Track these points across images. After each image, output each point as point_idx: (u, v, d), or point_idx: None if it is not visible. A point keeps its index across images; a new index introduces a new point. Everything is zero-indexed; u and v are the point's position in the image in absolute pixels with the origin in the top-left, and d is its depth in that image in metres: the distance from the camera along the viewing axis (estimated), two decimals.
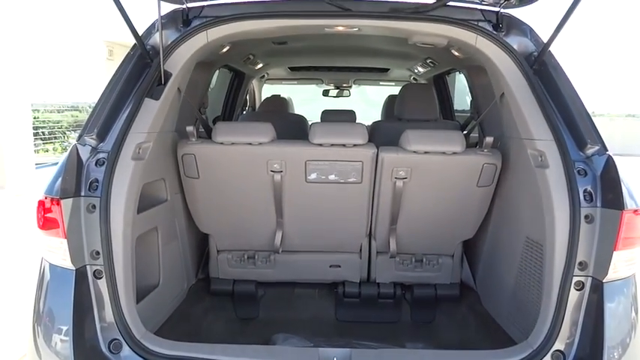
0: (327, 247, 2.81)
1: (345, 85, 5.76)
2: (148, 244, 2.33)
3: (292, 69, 5.12)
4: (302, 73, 5.29)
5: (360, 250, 2.81)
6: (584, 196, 1.95)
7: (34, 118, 11.97)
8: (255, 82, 5.55)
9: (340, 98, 5.99)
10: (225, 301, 2.92)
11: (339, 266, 2.85)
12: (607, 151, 2.01)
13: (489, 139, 2.40)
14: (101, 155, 2.01)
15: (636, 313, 1.97)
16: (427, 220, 2.67)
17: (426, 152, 2.40)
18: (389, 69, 5.04)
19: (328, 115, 3.78)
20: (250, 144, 2.41)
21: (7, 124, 8.79)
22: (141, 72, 2.20)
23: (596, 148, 2.00)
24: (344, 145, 2.42)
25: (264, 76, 5.42)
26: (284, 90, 5.70)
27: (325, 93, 5.93)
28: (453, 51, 2.74)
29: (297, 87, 6.37)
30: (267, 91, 5.76)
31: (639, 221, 1.91)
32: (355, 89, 6.15)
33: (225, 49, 2.91)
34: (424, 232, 2.72)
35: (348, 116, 3.75)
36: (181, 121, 2.55)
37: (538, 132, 2.12)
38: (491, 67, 2.33)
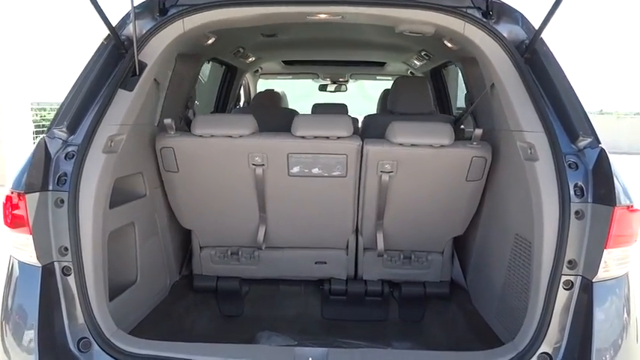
0: (312, 243, 2.73)
1: (341, 79, 5.66)
2: (123, 239, 2.26)
3: (286, 63, 5.03)
4: (297, 67, 5.20)
5: (347, 246, 2.73)
6: (575, 190, 1.85)
7: (41, 117, 11.91)
8: (249, 77, 5.47)
9: (337, 93, 5.90)
10: (209, 298, 2.85)
11: (325, 263, 2.77)
12: (600, 143, 1.91)
13: (478, 132, 2.30)
14: (71, 148, 1.94)
15: (628, 315, 1.87)
16: (415, 215, 2.58)
17: (412, 145, 2.31)
18: (385, 63, 4.94)
19: (319, 109, 3.69)
20: (230, 136, 2.33)
21: (8, 123, 8.80)
22: (115, 63, 2.13)
23: (589, 140, 1.90)
24: (327, 138, 2.34)
25: (257, 70, 5.33)
26: (280, 85, 5.61)
27: (322, 88, 5.84)
28: (445, 42, 2.65)
29: (294, 83, 6.28)
30: (263, 86, 5.67)
31: (633, 218, 1.82)
32: (353, 84, 6.05)
33: (210, 41, 2.83)
34: (412, 228, 2.64)
35: (340, 110, 3.66)
36: (165, 115, 2.48)
37: (528, 123, 2.02)
38: (480, 56, 2.23)
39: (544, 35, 2.08)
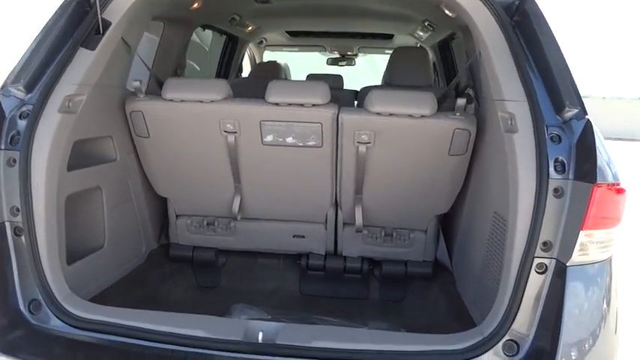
0: (289, 216, 2.63)
1: (350, 53, 5.47)
2: (87, 203, 2.20)
3: (291, 35, 4.87)
4: (302, 39, 5.04)
5: (326, 220, 2.62)
6: (555, 166, 1.69)
7: None
8: (254, 49, 5.34)
9: (346, 68, 5.72)
10: (185, 268, 2.80)
11: (304, 237, 2.67)
12: (586, 114, 1.73)
13: (461, 102, 2.14)
14: (26, 107, 1.88)
15: (608, 304, 1.72)
16: (395, 190, 2.45)
17: (391, 114, 2.16)
18: (393, 35, 4.74)
19: (313, 80, 3.55)
20: (201, 101, 2.23)
21: None
22: (79, 20, 2.04)
23: (575, 111, 1.72)
24: (302, 105, 2.21)
25: (262, 42, 5.20)
26: (288, 59, 5.46)
27: (330, 62, 5.67)
28: (444, 9, 2.47)
29: (301, 57, 6.12)
30: (269, 58, 5.53)
31: (617, 199, 1.65)
32: (362, 59, 5.86)
33: (195, 4, 2.72)
34: (393, 204, 2.50)
35: (335, 81, 3.51)
36: (151, 81, 2.39)
37: (510, 92, 1.85)
38: (469, 20, 2.06)
39: None
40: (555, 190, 1.67)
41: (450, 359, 1.68)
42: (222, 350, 1.69)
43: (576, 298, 1.65)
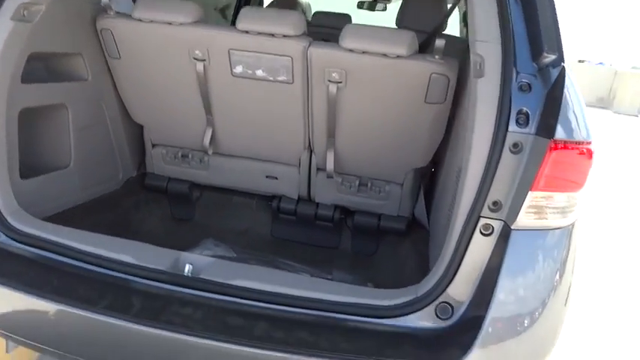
0: (263, 156, 2.54)
1: None
2: (49, 120, 2.18)
3: None
4: None
5: (299, 164, 2.51)
6: (518, 118, 1.49)
7: None
8: None
9: (377, 13, 5.39)
10: (161, 199, 2.79)
11: (276, 178, 2.58)
12: (563, 62, 1.51)
13: (440, 43, 1.92)
14: None
15: (560, 277, 1.54)
16: (369, 138, 2.29)
17: (364, 52, 1.99)
18: None
19: (319, 19, 3.35)
20: (170, 24, 2.12)
21: None
22: None
23: (552, 57, 1.49)
24: (272, 35, 2.06)
25: None
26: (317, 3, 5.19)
27: (360, 6, 5.35)
28: None
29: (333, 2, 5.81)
30: None
31: (580, 161, 1.45)
32: (396, 5, 5.51)
33: None
34: (367, 152, 2.36)
35: (341, 21, 3.29)
36: None
37: (484, 31, 1.63)
38: None
39: None
40: (515, 145, 1.48)
41: (374, 314, 1.58)
42: (141, 277, 1.66)
43: (518, 266, 1.49)
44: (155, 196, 2.78)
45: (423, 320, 1.57)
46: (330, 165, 2.36)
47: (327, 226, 2.64)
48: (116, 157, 2.61)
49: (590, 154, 1.44)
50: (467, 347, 1.44)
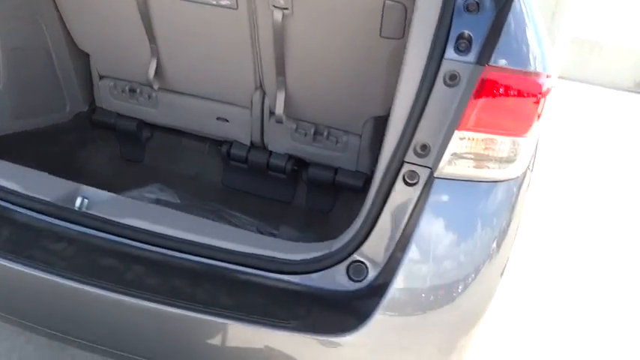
0: (212, 95, 2.30)
1: None
2: None
3: None
4: None
5: (251, 105, 2.27)
6: (459, 44, 1.20)
7: None
8: None
9: None
10: (110, 137, 2.60)
11: (227, 121, 2.35)
12: None
13: None
14: None
15: (494, 242, 1.28)
16: (323, 78, 2.02)
17: None
18: None
19: None
20: None
21: None
22: None
23: None
24: None
25: None
26: None
27: None
28: None
29: None
30: None
31: (524, 96, 1.16)
32: None
33: None
34: (321, 95, 2.09)
35: None
36: None
37: None
38: None
39: None
40: (452, 76, 1.20)
41: (273, 268, 1.35)
42: (24, 207, 1.47)
43: (437, 224, 1.23)
44: (104, 134, 2.59)
45: (329, 280, 1.34)
46: (279, 107, 2.11)
47: (280, 178, 2.41)
48: (61, 87, 2.42)
49: (537, 88, 1.14)
50: (365, 316, 1.20)
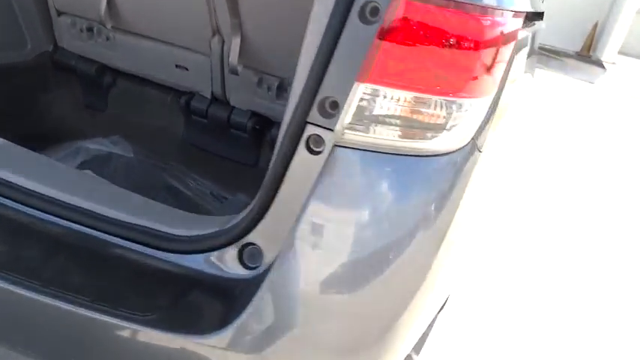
0: (170, 38, 2.04)
1: None
2: None
3: None
4: None
5: (211, 53, 1.99)
6: None
7: None
8: None
9: None
10: (73, 82, 2.40)
11: (187, 69, 2.08)
12: None
13: None
14: None
15: (429, 235, 0.97)
16: (283, 25, 1.71)
17: None
18: None
19: None
20: None
21: None
22: None
23: None
24: None
25: None
26: None
27: None
28: None
29: None
30: None
31: (458, 36, 0.82)
32: None
33: None
34: (282, 42, 1.78)
35: None
36: None
37: None
38: None
39: None
40: (372, 11, 0.87)
41: (152, 243, 1.10)
42: None
43: (333, 203, 0.93)
44: (67, 78, 2.39)
45: (215, 263, 1.08)
46: (234, 55, 1.83)
47: (244, 138, 2.14)
48: (19, 22, 2.22)
49: (480, 30, 0.80)
50: (237, 313, 0.94)
